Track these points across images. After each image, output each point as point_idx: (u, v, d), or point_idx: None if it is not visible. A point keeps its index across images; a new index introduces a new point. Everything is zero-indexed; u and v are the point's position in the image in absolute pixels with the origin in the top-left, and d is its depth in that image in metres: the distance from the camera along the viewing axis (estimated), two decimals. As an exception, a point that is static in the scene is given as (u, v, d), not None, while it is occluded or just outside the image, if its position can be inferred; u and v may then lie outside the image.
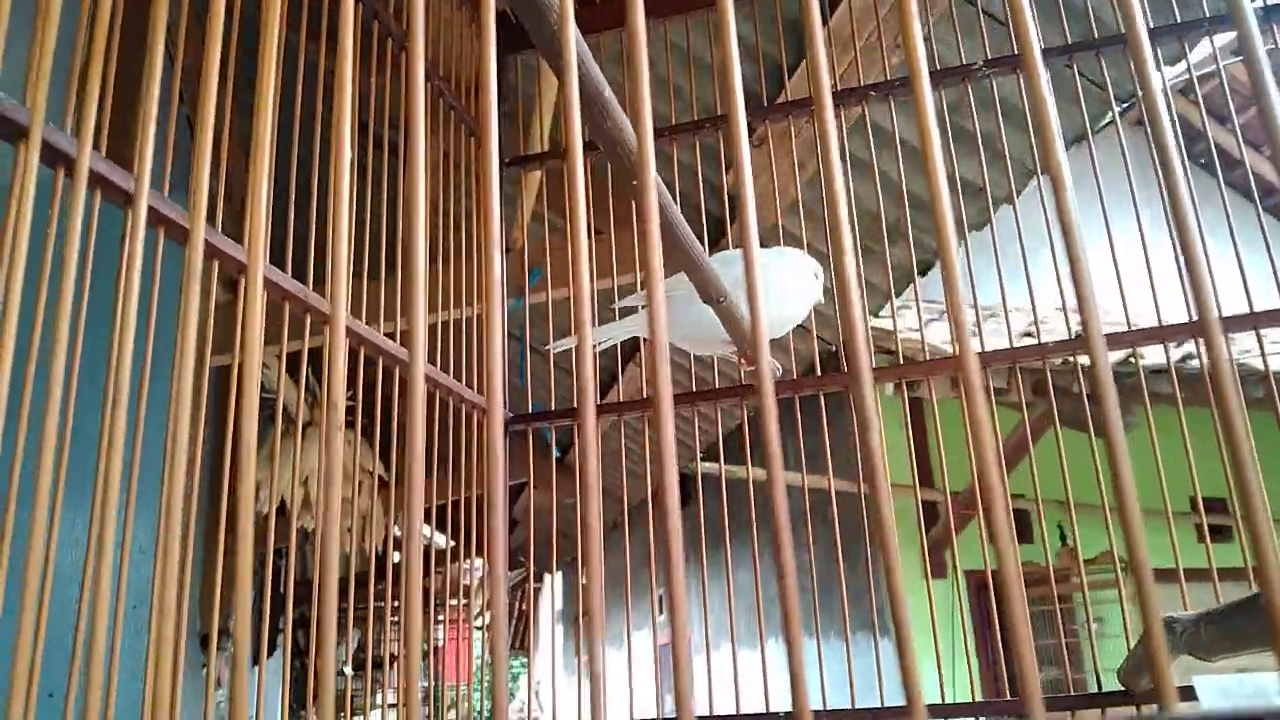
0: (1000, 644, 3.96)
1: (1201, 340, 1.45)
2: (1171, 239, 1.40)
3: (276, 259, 1.00)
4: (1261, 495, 0.29)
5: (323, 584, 0.33)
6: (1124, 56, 1.63)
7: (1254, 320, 1.37)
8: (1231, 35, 1.64)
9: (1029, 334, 3.64)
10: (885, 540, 0.31)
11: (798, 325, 1.45)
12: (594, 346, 1.52)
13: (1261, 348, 1.36)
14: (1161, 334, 1.40)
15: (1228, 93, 1.47)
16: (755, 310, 0.33)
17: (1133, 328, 1.42)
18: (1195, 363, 2.90)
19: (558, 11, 0.44)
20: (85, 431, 0.72)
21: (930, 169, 0.31)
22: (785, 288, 1.39)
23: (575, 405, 2.57)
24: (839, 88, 1.72)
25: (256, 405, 0.36)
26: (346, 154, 0.38)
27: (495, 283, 0.35)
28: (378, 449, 3.46)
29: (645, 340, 1.66)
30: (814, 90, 0.36)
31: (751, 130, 2.27)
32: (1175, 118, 1.84)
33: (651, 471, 1.88)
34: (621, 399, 3.94)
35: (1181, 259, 0.37)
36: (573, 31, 0.35)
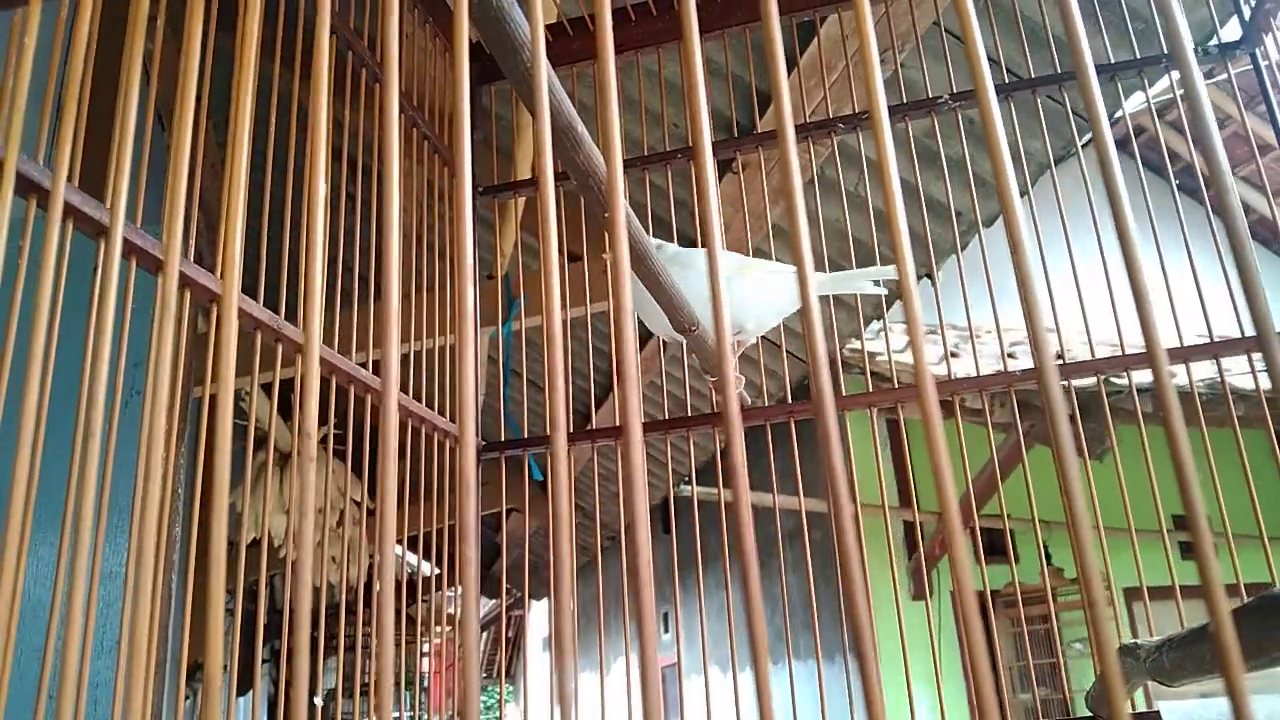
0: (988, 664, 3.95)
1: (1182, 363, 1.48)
2: (1161, 260, 1.44)
3: (249, 289, 1.00)
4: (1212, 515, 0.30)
5: (295, 610, 0.33)
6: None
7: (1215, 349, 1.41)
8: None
9: (1011, 354, 3.68)
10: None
11: (778, 345, 1.46)
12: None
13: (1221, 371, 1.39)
14: (1125, 361, 1.43)
15: (1186, 126, 1.52)
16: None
17: (1096, 356, 1.45)
18: (1177, 381, 2.93)
19: (529, 50, 0.45)
20: (58, 465, 0.71)
21: (891, 214, 0.32)
22: (750, 296, 1.33)
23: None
24: (809, 121, 1.75)
25: (230, 429, 0.36)
26: (322, 189, 0.38)
27: (468, 274, 0.35)
28: (365, 478, 3.43)
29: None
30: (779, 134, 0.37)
31: (727, 164, 2.30)
32: (1136, 149, 1.89)
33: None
34: (594, 426, 3.94)
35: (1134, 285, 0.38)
36: (545, 70, 0.36)
